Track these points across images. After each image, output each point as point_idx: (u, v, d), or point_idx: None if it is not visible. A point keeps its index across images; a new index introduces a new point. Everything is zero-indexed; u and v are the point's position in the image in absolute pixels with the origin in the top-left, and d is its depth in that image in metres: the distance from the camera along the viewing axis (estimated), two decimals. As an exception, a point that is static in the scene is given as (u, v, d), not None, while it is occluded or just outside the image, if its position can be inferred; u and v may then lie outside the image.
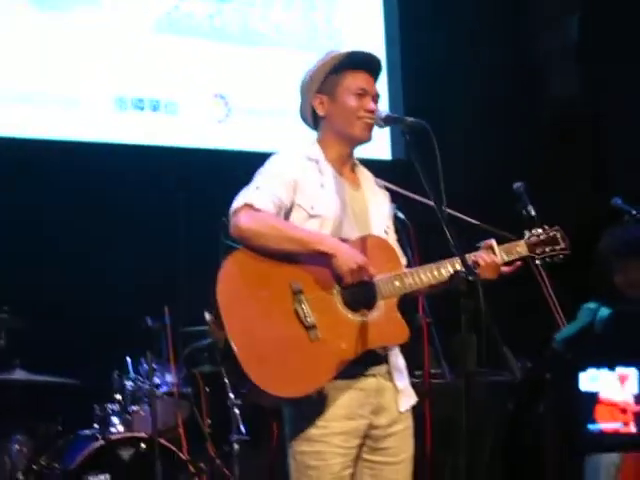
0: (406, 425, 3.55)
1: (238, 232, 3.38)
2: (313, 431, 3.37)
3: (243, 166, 6.36)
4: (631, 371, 4.65)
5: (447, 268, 3.45)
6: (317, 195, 3.49)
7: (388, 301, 3.40)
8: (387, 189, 3.82)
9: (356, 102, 3.56)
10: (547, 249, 3.67)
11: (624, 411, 4.61)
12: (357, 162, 3.73)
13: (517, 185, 3.94)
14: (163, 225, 6.25)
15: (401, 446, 3.53)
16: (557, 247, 3.68)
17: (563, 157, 7.25)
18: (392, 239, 3.67)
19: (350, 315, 3.36)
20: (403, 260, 3.65)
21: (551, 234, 3.69)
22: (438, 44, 7.52)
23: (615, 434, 4.60)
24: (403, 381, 3.56)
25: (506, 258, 3.59)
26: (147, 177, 6.22)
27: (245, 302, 3.32)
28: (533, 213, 3.77)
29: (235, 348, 3.24)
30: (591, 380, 4.67)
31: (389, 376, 3.50)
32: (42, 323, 5.38)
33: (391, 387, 3.50)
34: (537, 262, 3.71)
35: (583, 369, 4.68)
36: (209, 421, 5.55)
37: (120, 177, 6.13)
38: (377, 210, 3.64)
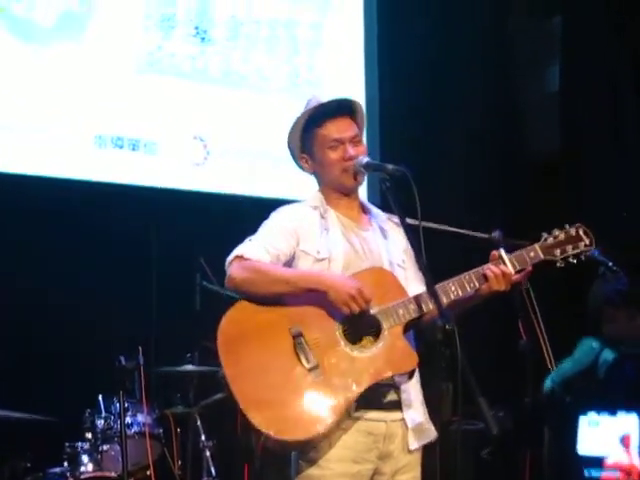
0: (412, 475, 3.49)
1: (231, 283, 3.42)
2: (314, 471, 3.35)
3: (220, 208, 6.46)
4: (633, 422, 4.63)
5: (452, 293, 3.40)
6: (322, 240, 3.51)
7: (393, 330, 3.38)
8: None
9: (333, 155, 3.58)
10: (569, 248, 3.50)
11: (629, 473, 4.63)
12: (365, 202, 3.74)
13: (495, 233, 3.94)
14: (139, 264, 6.24)
15: None
16: (581, 243, 3.51)
17: (541, 204, 7.31)
18: (412, 272, 3.60)
19: (354, 351, 3.34)
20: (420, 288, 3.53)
21: (572, 232, 3.52)
22: (419, 95, 7.59)
23: None
24: (416, 418, 3.49)
25: (518, 266, 3.44)
26: (124, 216, 6.20)
27: (245, 352, 3.33)
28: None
29: (236, 396, 3.27)
30: (591, 424, 4.65)
31: (402, 422, 3.45)
32: (14, 359, 5.34)
33: (401, 433, 3.45)
34: (558, 265, 3.48)
35: (583, 412, 4.65)
36: (179, 462, 5.53)
37: (97, 215, 6.12)
38: (390, 247, 3.61)
